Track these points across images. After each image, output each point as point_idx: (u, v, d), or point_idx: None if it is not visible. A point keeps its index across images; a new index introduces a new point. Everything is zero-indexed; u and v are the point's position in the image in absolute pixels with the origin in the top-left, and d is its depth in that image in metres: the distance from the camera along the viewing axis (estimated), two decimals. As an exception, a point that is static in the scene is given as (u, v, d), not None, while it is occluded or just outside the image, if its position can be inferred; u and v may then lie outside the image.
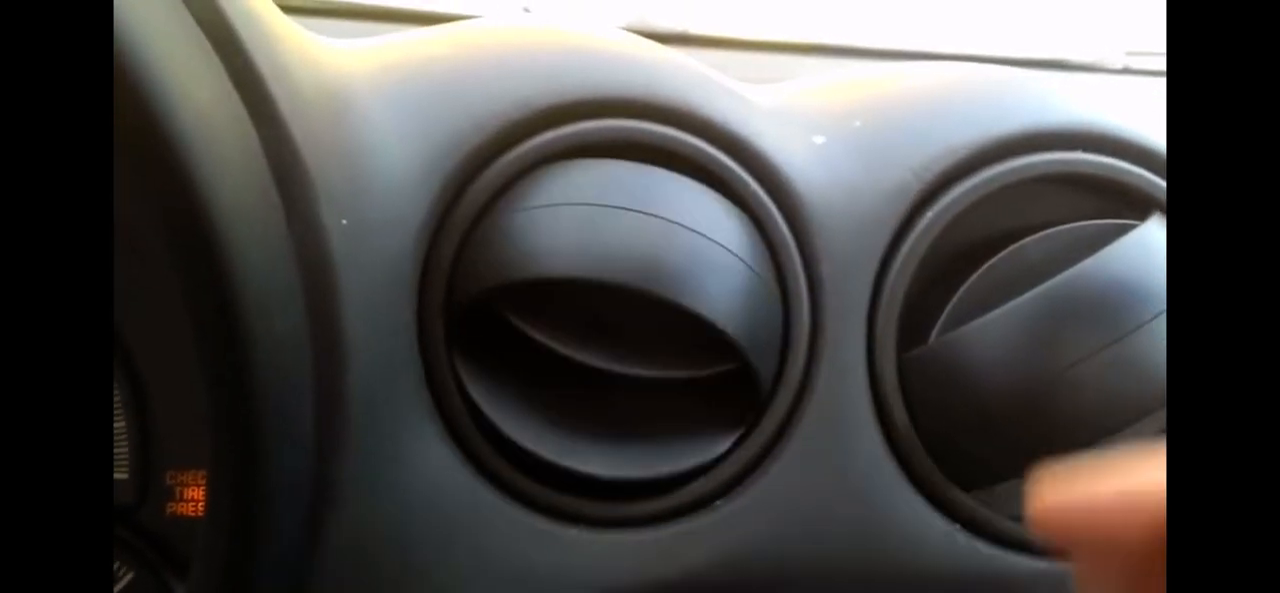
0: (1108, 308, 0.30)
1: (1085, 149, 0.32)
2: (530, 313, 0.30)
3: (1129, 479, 0.19)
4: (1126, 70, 0.62)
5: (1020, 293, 0.30)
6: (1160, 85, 0.62)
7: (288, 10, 0.29)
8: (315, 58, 0.29)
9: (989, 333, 0.30)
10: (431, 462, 0.30)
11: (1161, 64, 0.62)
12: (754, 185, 0.31)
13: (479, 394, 0.30)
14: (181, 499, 0.31)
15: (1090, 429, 0.30)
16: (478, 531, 0.30)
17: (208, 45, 0.24)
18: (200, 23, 0.24)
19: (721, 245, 0.29)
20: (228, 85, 0.25)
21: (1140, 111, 0.34)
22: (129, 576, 0.31)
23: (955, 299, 0.31)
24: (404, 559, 0.30)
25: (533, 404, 0.30)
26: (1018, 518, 0.32)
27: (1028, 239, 0.32)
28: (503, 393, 0.30)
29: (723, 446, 0.31)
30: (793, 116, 0.33)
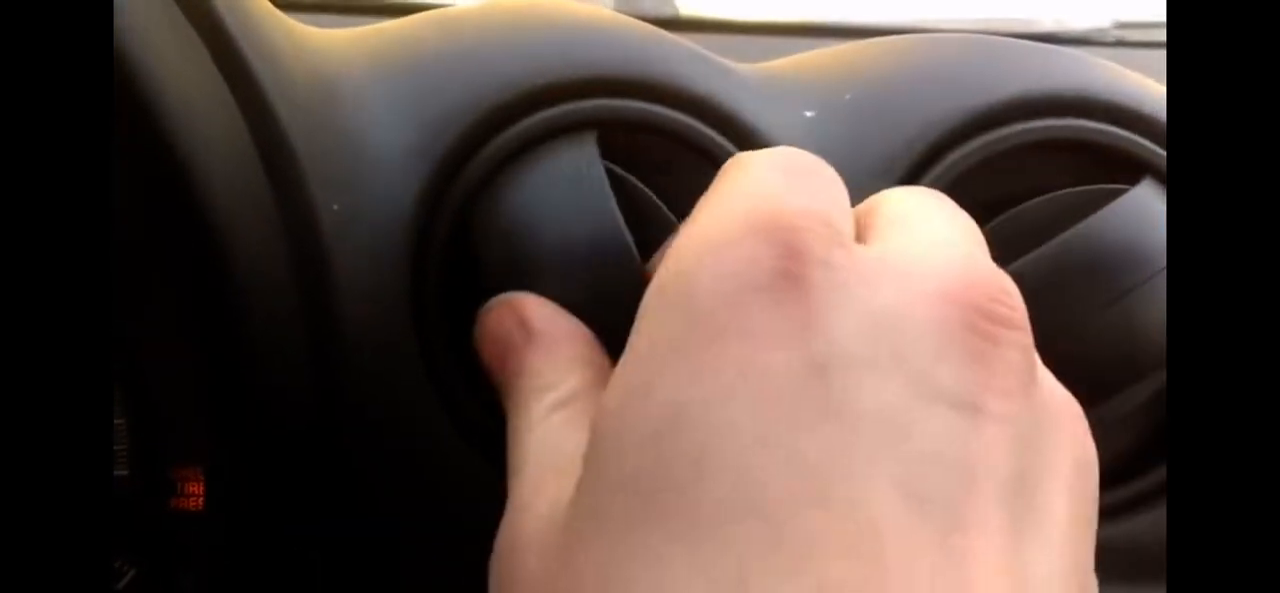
0: (1102, 270, 0.30)
1: (1077, 115, 0.32)
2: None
3: None
4: (1120, 43, 0.62)
5: (1015, 259, 0.30)
6: (1153, 57, 0.62)
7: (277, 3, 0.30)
8: (302, 44, 0.29)
9: None
10: (432, 444, 0.30)
11: (1154, 36, 0.62)
12: None
13: (478, 373, 0.30)
14: (184, 494, 0.31)
15: (1087, 391, 0.29)
16: (478, 511, 0.30)
17: (192, 32, 0.24)
18: (184, 9, 0.24)
19: None
20: (214, 72, 0.25)
21: (1131, 77, 0.34)
22: (131, 573, 0.31)
23: None
24: (402, 540, 0.30)
25: None
26: None
27: (1021, 206, 0.32)
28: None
29: None
30: (783, 91, 0.33)
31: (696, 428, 0.18)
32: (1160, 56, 0.25)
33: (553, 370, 0.25)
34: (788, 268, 0.19)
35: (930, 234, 0.22)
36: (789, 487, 0.18)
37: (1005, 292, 0.20)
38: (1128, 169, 0.32)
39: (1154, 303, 0.29)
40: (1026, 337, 0.20)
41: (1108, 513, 0.27)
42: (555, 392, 0.24)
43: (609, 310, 0.28)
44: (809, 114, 0.32)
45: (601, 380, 0.23)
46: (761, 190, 0.21)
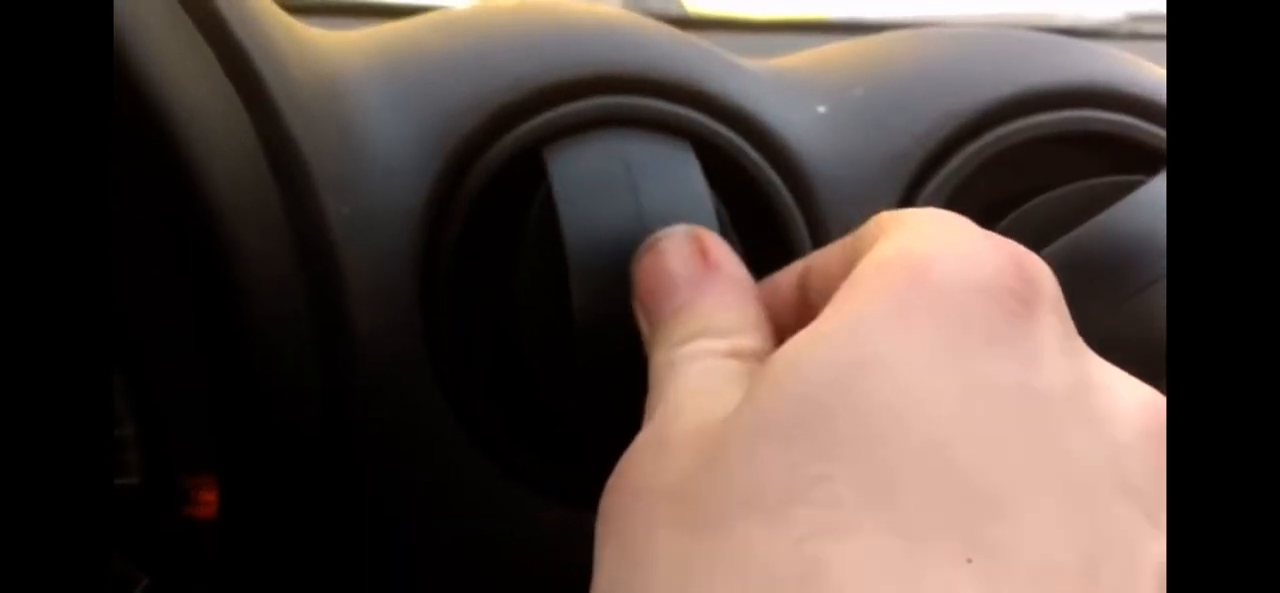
0: (1119, 265, 0.29)
1: (1092, 107, 0.32)
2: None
3: None
4: (1134, 35, 0.62)
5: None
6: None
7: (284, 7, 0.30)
8: (309, 47, 0.29)
9: None
10: (440, 445, 0.29)
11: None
12: (757, 157, 0.30)
13: (487, 375, 0.30)
14: (196, 502, 0.31)
15: None
16: (488, 514, 0.30)
17: (200, 37, 0.24)
18: (191, 14, 0.24)
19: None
20: (221, 76, 0.25)
21: (1146, 68, 0.34)
22: (145, 582, 0.31)
23: None
24: (414, 543, 0.30)
25: (541, 380, 0.30)
26: None
27: (1036, 200, 0.31)
28: (511, 373, 0.30)
29: None
30: (794, 87, 0.33)
31: (896, 381, 0.19)
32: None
33: (725, 317, 0.23)
34: (1027, 296, 0.20)
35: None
36: (982, 481, 0.18)
37: None
38: (1144, 161, 0.32)
39: None
40: None
41: None
42: (724, 340, 0.23)
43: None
44: (821, 110, 0.32)
45: (768, 347, 0.23)
46: (993, 237, 0.21)
